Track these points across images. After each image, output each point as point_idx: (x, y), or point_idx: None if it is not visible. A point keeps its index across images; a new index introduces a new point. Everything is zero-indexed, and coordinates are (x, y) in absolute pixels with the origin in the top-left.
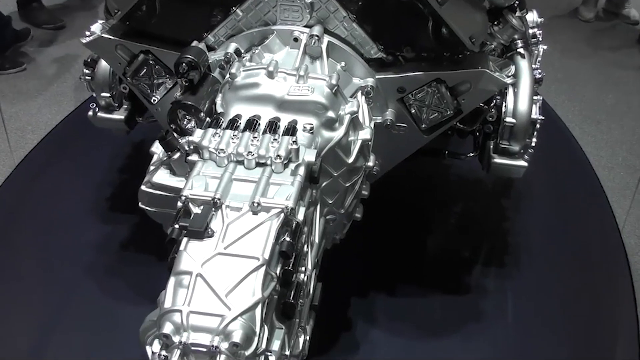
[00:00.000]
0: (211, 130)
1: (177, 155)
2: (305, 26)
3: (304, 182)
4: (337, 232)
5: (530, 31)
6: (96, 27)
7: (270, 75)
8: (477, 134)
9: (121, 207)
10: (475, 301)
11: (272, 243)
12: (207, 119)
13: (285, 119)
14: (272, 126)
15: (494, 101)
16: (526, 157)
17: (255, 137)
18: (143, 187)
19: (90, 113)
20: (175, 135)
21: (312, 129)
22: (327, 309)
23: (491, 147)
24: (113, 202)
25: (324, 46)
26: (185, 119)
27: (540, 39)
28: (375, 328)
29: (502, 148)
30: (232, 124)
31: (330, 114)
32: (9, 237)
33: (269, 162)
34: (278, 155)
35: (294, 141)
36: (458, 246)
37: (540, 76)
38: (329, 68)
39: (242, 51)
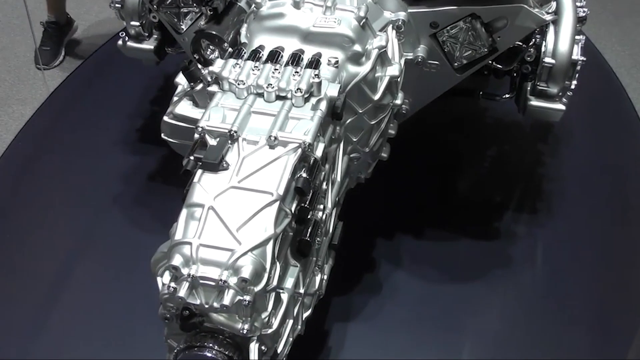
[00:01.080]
0: (232, 61)
1: (199, 86)
2: None
3: (325, 117)
4: (361, 171)
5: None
6: None
7: (297, 5)
8: (515, 74)
9: (150, 139)
10: (503, 247)
11: (288, 179)
12: (230, 49)
13: (309, 51)
14: (295, 58)
15: (533, 40)
16: (564, 100)
17: (277, 69)
18: (165, 118)
19: (120, 42)
20: (199, 65)
21: (336, 62)
22: (351, 248)
23: (528, 88)
24: (142, 133)
25: None
26: (209, 49)
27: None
28: (399, 270)
29: (540, 90)
30: (254, 55)
31: (357, 47)
32: (39, 165)
33: (289, 95)
34: (299, 89)
35: (316, 74)
36: (489, 190)
37: (584, 14)
38: (359, 0)
39: None
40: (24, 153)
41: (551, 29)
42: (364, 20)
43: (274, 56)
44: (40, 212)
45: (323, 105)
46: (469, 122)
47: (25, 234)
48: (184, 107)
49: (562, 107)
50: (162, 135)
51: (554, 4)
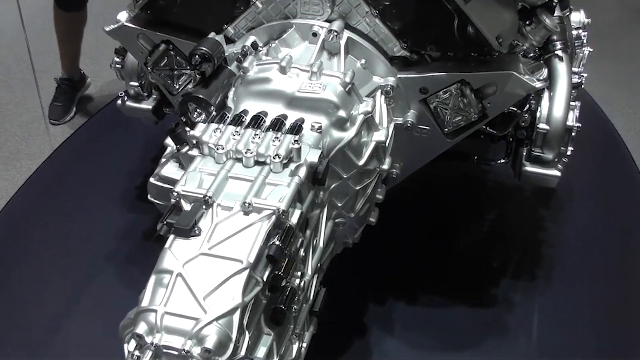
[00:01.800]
0: (213, 125)
1: (186, 148)
2: (327, 20)
3: (303, 183)
4: (348, 236)
5: (574, 32)
6: (122, 16)
7: (283, 70)
8: (510, 139)
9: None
10: (499, 315)
11: (260, 246)
12: (213, 112)
13: (293, 116)
14: (277, 124)
15: (528, 105)
16: (560, 166)
17: (257, 135)
18: (152, 180)
19: (120, 102)
20: (187, 128)
21: (320, 128)
22: (341, 312)
23: (524, 154)
24: (141, 191)
25: (342, 42)
26: (196, 112)
27: (585, 41)
28: (390, 337)
29: (535, 156)
30: (237, 120)
31: (342, 113)
32: (38, 220)
33: (268, 160)
34: (277, 155)
35: (296, 140)
36: (487, 254)
37: (580, 80)
38: (348, 65)
39: (260, 44)
40: (24, 208)
41: (546, 94)
42: (349, 86)
43: (257, 121)
44: (35, 266)
45: (302, 172)
46: (468, 184)
47: (20, 287)
48: (170, 169)
49: (557, 173)
50: (149, 196)
51: (544, 71)
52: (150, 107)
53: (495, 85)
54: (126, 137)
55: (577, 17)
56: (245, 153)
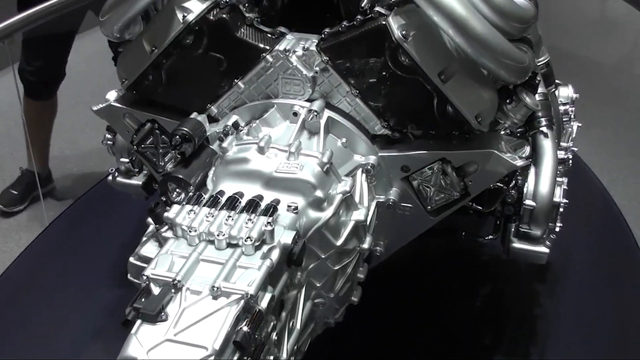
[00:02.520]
0: (188, 207)
1: (164, 228)
2: (308, 100)
3: (275, 266)
4: (328, 316)
5: (562, 108)
6: (111, 95)
7: (261, 150)
8: (498, 215)
9: None
10: None
11: (227, 332)
12: (190, 193)
13: (270, 197)
14: (252, 205)
15: (515, 181)
16: (548, 243)
17: (231, 217)
18: (131, 259)
19: (110, 177)
20: (167, 207)
21: (296, 208)
22: None
23: (512, 230)
24: None
25: (322, 121)
26: (176, 192)
27: (573, 116)
28: None
29: (523, 232)
30: (212, 201)
31: (318, 193)
32: (27, 296)
33: (240, 243)
34: (249, 237)
35: (269, 222)
36: (480, 330)
37: (567, 156)
38: (328, 144)
39: (242, 124)
40: (15, 281)
41: (532, 170)
42: (327, 165)
43: (232, 202)
44: (22, 341)
45: (275, 254)
46: (460, 257)
47: None
48: (149, 249)
49: (545, 250)
50: (129, 276)
51: (527, 149)
52: (140, 182)
53: (476, 164)
54: (120, 212)
55: (565, 92)
56: (218, 235)
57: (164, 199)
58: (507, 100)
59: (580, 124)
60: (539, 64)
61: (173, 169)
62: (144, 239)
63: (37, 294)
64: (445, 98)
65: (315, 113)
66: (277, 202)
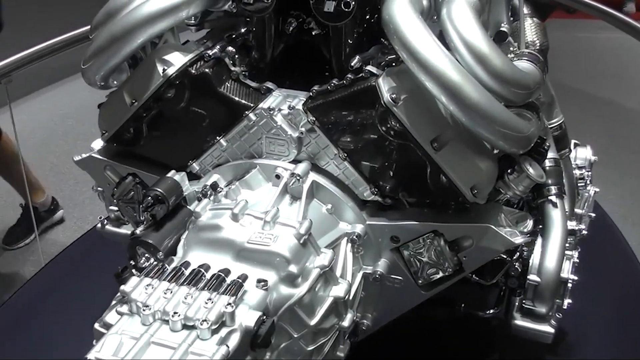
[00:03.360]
0: (146, 281)
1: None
2: (294, 160)
3: (233, 352)
4: None
5: (578, 172)
6: (96, 144)
7: (235, 217)
8: (503, 287)
9: None
10: None
11: None
12: (153, 263)
13: (238, 270)
14: (216, 281)
15: (519, 252)
16: (554, 322)
17: (190, 294)
18: (96, 325)
19: (100, 225)
20: (134, 272)
21: (265, 285)
22: None
23: (516, 304)
24: None
25: (305, 186)
26: (145, 257)
27: (589, 181)
28: None
29: (527, 309)
30: (174, 275)
31: (292, 268)
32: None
33: (196, 325)
34: (205, 320)
35: (229, 303)
36: None
37: (579, 227)
38: (312, 210)
39: (223, 184)
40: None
41: (539, 241)
42: (304, 237)
43: (195, 277)
44: None
45: (234, 339)
46: (464, 323)
47: None
48: (114, 317)
49: (550, 330)
50: (94, 342)
51: (529, 223)
52: (130, 231)
53: (471, 239)
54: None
55: (583, 153)
56: (173, 316)
57: (133, 263)
58: (509, 170)
59: (597, 189)
60: (551, 126)
61: (143, 232)
62: (113, 302)
63: (20, 343)
64: (438, 167)
65: (298, 177)
66: (245, 277)
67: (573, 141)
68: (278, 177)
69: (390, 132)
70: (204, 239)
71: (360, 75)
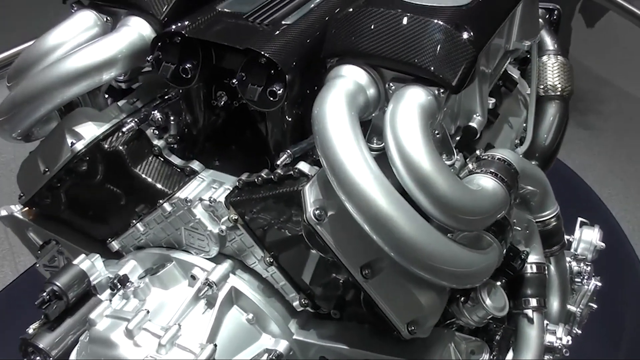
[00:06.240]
0: None
1: None
2: (218, 255)
3: None
4: None
5: (575, 267)
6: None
7: (130, 334)
8: None
9: None
10: None
11: None
12: None
13: None
14: None
15: None
16: None
17: None
18: None
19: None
20: None
21: None
22: None
23: None
24: None
25: (222, 294)
26: (38, 358)
27: (587, 276)
28: None
29: None
30: None
31: None
32: None
33: None
34: None
35: None
36: None
37: (559, 344)
38: (228, 321)
39: (137, 274)
40: None
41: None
42: None
43: None
44: None
45: None
46: None
47: None
48: None
49: None
50: None
51: (485, 356)
52: None
53: None
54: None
55: (589, 236)
56: None
57: None
58: (462, 298)
59: (600, 284)
60: (542, 220)
61: (35, 332)
62: None
63: None
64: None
65: (213, 284)
66: None
67: (580, 219)
68: (194, 277)
69: (318, 248)
70: (94, 353)
71: (290, 173)
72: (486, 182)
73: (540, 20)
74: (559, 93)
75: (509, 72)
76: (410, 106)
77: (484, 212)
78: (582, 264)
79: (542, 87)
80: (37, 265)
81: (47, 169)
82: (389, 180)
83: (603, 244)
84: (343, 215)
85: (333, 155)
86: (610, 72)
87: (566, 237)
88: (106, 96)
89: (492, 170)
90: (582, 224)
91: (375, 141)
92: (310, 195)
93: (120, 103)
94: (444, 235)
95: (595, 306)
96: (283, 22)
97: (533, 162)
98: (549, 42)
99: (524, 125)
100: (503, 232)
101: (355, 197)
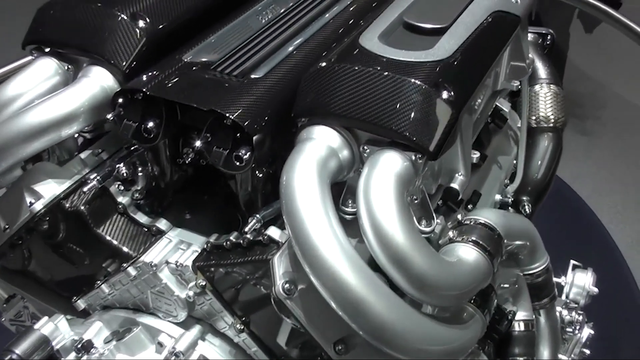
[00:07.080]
0: None
1: None
2: (186, 319)
3: None
4: None
5: (567, 316)
6: None
7: None
8: None
9: None
10: None
11: None
12: None
13: None
14: None
15: None
16: None
17: None
18: None
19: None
20: None
21: None
22: None
23: None
24: None
25: None
26: None
27: (579, 326)
28: None
29: None
30: None
31: None
32: None
33: None
34: None
35: None
36: None
37: None
38: None
39: (103, 337)
40: None
41: None
42: None
43: None
44: None
45: None
46: None
47: None
48: None
49: None
50: None
51: None
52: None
53: None
54: None
55: (582, 280)
56: None
57: None
58: None
59: (592, 332)
60: (533, 272)
61: None
62: None
63: None
64: None
65: (180, 355)
66: None
67: (572, 262)
68: (161, 345)
69: (290, 319)
70: None
71: (259, 239)
72: (467, 253)
73: (531, 51)
74: (551, 124)
75: (499, 106)
76: (384, 175)
77: (464, 287)
78: (573, 313)
79: (534, 117)
80: (3, 319)
81: (7, 226)
82: (361, 249)
83: (596, 289)
84: (314, 289)
85: (300, 229)
86: (608, 78)
87: (557, 280)
88: (76, 135)
89: (474, 239)
90: (574, 267)
91: (350, 204)
92: (280, 267)
93: (83, 155)
94: (419, 312)
95: (588, 352)
96: (252, 76)
97: (524, 198)
98: (542, 70)
99: (514, 162)
100: (487, 301)
101: (321, 274)
